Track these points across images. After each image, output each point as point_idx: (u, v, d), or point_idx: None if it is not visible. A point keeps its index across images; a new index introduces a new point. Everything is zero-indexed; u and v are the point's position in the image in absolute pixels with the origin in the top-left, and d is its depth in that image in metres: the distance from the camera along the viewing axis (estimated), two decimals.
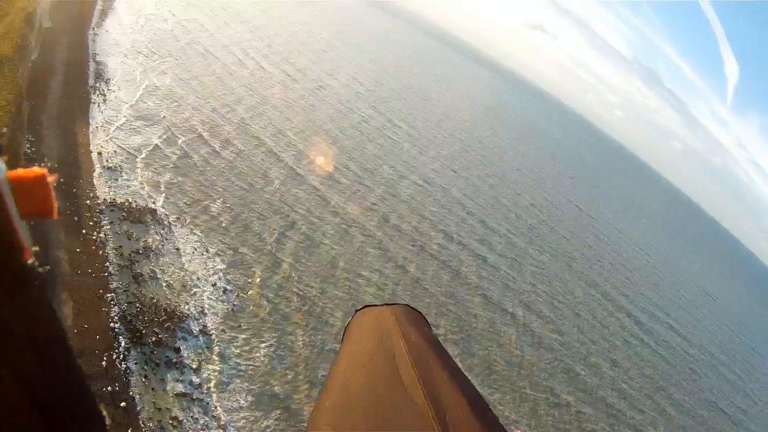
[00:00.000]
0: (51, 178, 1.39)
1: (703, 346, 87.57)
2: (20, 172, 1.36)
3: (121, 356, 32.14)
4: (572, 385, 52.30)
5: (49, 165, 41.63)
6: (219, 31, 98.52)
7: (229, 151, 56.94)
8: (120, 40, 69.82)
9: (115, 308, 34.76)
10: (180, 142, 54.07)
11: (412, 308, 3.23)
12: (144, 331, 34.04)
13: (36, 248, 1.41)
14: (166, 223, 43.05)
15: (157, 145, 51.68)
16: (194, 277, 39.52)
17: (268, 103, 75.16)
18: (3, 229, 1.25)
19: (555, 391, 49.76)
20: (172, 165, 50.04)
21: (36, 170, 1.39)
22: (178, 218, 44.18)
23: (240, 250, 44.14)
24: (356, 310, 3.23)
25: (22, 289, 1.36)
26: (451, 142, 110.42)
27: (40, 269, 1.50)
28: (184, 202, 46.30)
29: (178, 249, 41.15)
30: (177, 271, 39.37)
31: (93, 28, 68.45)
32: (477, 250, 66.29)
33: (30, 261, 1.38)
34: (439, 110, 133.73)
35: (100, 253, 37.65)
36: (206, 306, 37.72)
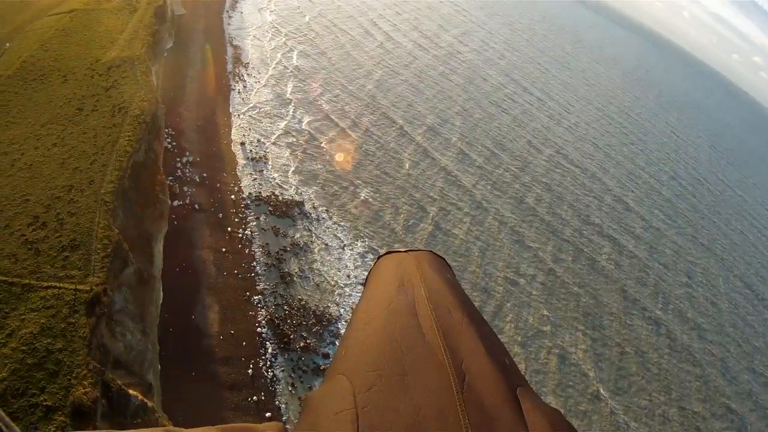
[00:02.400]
0: None
1: None
2: None
3: (268, 363, 30.51)
4: (707, 395, 45.75)
5: (191, 159, 40.46)
6: (346, 2, 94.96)
7: (362, 132, 53.95)
8: (254, 21, 68.18)
9: (263, 311, 32.89)
10: (319, 125, 51.79)
11: (435, 254, 2.87)
12: (292, 336, 32.04)
13: None
14: (313, 216, 40.60)
15: (299, 131, 49.56)
16: (342, 275, 36.92)
17: (397, 76, 71.13)
18: None
19: (689, 404, 43.41)
20: (315, 152, 47.78)
21: None
22: (325, 210, 41.69)
23: (383, 241, 41.35)
24: (378, 257, 2.92)
25: None
26: (589, 110, 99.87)
27: None
28: (330, 193, 43.72)
29: (326, 245, 38.65)
30: (325, 269, 36.92)
31: (227, 11, 66.88)
32: (615, 234, 59.34)
33: None
34: (577, 75, 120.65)
35: (247, 251, 35.78)
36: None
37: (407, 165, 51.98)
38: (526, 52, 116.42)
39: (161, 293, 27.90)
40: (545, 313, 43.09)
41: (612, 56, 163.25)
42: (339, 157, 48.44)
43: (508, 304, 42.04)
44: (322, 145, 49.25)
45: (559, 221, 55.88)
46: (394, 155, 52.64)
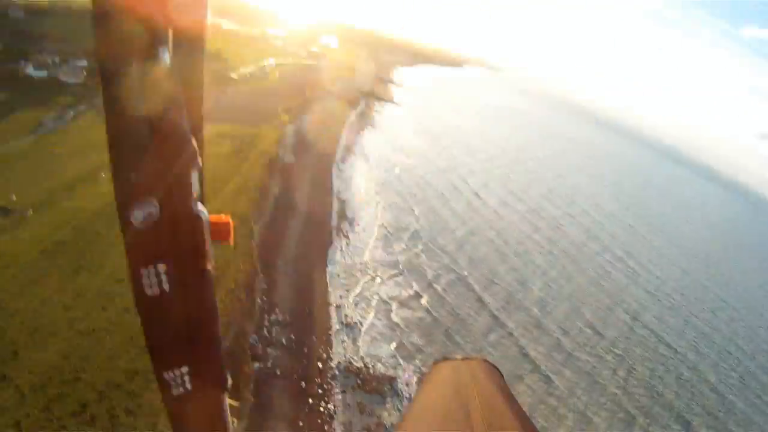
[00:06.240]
0: (232, 222, 1.88)
1: None
2: (213, 218, 1.81)
3: None
4: None
5: (280, 317, 36.36)
6: (459, 167, 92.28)
7: (437, 299, 48.79)
8: (365, 175, 66.21)
9: None
10: (423, 300, 47.21)
11: (490, 363, 2.68)
12: None
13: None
14: (405, 395, 34.71)
15: (399, 301, 45.13)
16: None
17: (480, 234, 66.27)
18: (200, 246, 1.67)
19: None
20: (416, 325, 42.89)
21: (223, 217, 1.87)
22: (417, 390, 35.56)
23: None
24: (434, 362, 2.68)
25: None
26: (687, 283, 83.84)
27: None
28: (424, 371, 37.75)
29: None
30: None
31: (337, 164, 65.17)
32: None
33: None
34: (675, 240, 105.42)
35: (326, 429, 30.28)
36: None
37: (479, 336, 45.89)
38: (615, 212, 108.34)
39: None
40: None
41: (711, 220, 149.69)
42: (442, 336, 43.53)
43: None
44: (430, 320, 44.90)
45: (628, 397, 46.18)
46: (468, 326, 46.78)
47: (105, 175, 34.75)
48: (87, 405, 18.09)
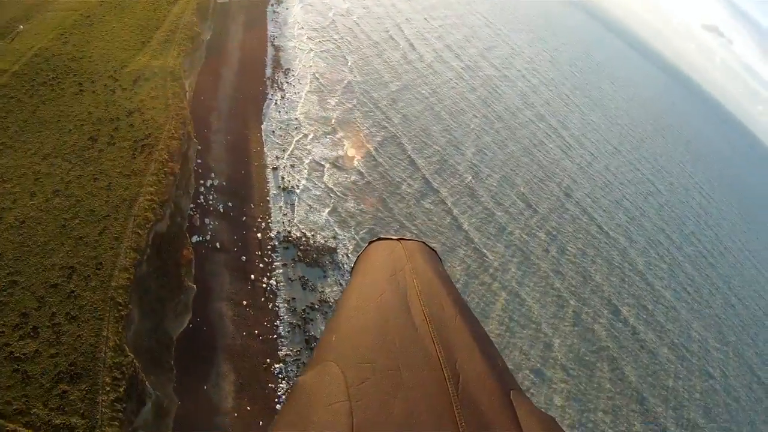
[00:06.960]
0: None
1: None
2: None
3: None
4: None
5: (216, 182, 33.69)
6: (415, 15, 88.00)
7: (372, 162, 46.97)
8: (300, 20, 60.28)
9: (283, 384, 26.64)
10: (356, 162, 45.24)
11: (427, 245, 2.81)
12: None
13: None
14: (346, 268, 33.84)
15: (333, 162, 42.83)
16: None
17: (415, 89, 63.69)
18: None
19: None
20: (350, 190, 41.07)
21: None
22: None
23: None
24: (369, 242, 2.81)
25: None
26: (620, 162, 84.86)
27: None
28: (365, 240, 36.07)
29: None
30: None
31: (272, 4, 58.92)
32: (616, 301, 49.76)
33: None
34: (611, 116, 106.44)
35: (270, 306, 29.06)
36: None
37: (412, 203, 45.11)
38: (553, 78, 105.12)
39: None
40: None
41: (644, 97, 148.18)
42: (347, 191, 41.79)
43: None
44: (369, 181, 43.64)
45: (561, 278, 47.61)
46: (397, 188, 45.67)
47: (22, 28, 29.37)
48: (28, 313, 15.69)
